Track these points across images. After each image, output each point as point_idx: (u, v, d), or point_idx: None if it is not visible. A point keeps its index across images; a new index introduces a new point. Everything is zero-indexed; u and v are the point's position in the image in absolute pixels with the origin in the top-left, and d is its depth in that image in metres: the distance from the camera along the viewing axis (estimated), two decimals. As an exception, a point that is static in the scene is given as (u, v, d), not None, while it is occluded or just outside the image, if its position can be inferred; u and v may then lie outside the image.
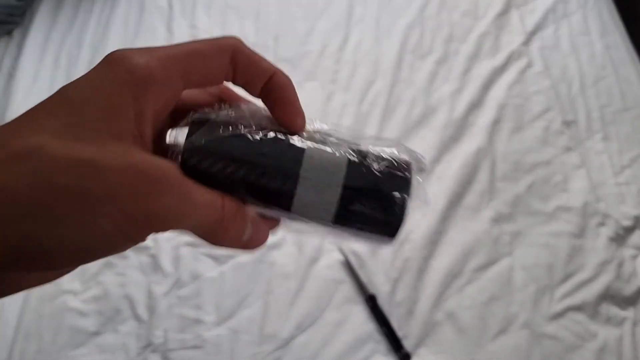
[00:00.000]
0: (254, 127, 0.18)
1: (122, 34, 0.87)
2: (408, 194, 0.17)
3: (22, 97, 0.80)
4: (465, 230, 0.66)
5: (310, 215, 0.17)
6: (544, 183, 0.69)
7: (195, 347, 0.58)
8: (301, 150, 0.17)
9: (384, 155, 0.18)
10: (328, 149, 0.17)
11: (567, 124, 0.75)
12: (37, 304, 0.62)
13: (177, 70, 0.16)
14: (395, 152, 0.18)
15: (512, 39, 0.83)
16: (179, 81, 0.16)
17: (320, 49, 0.83)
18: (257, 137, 0.17)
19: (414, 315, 0.60)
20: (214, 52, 0.17)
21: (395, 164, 0.18)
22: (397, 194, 0.17)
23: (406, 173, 0.18)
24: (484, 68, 0.80)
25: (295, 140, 0.18)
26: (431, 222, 0.66)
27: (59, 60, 0.85)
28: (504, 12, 0.86)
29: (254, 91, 0.19)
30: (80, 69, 0.84)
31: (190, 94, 0.19)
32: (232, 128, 0.17)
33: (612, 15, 0.87)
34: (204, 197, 0.16)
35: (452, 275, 0.63)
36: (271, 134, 0.18)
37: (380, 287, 0.62)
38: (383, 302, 0.61)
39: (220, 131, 0.17)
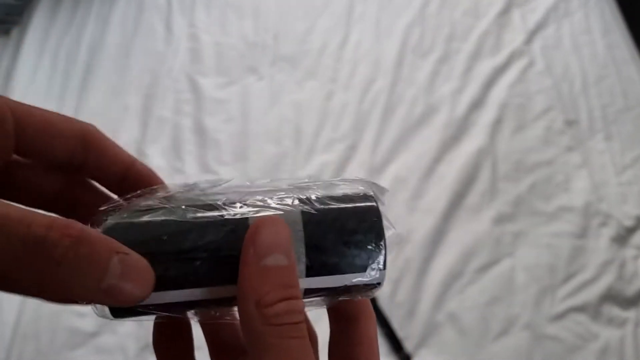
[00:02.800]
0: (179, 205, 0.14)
1: (120, 33, 0.87)
2: (380, 226, 0.15)
3: (20, 96, 0.79)
4: (467, 231, 0.65)
5: None
6: (545, 183, 0.69)
7: (195, 347, 0.58)
8: (243, 222, 0.14)
9: (338, 193, 0.15)
10: (271, 210, 0.14)
11: (569, 123, 0.75)
12: (35, 305, 0.62)
13: (11, 124, 0.13)
14: (347, 187, 0.16)
15: (513, 38, 0.83)
16: (8, 139, 0.13)
17: (320, 47, 0.82)
18: (188, 216, 0.14)
19: (414, 316, 0.60)
20: (65, 125, 0.14)
21: (355, 198, 0.15)
22: (368, 232, 0.15)
23: (369, 203, 0.15)
24: (485, 67, 0.79)
25: (231, 212, 0.14)
26: (432, 222, 0.65)
27: (57, 60, 0.85)
28: (505, 11, 0.86)
29: (110, 184, 0.16)
30: (78, 69, 0.83)
31: None
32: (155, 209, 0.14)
33: (614, 14, 0.87)
34: (11, 209, 0.10)
35: (453, 276, 0.62)
36: (200, 214, 0.14)
37: (381, 288, 0.61)
38: (384, 303, 0.60)
39: (141, 214, 0.14)
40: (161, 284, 0.13)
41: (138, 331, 0.59)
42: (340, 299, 0.16)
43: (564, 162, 0.71)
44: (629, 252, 0.65)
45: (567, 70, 0.80)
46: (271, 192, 0.15)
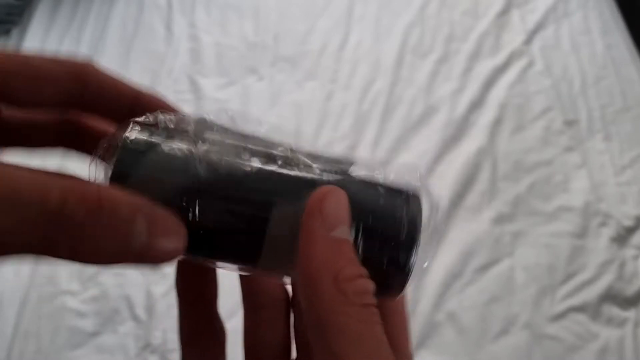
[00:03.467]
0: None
1: (120, 33, 0.87)
2: (417, 231, 0.13)
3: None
4: (466, 231, 0.65)
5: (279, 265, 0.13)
6: (545, 183, 0.69)
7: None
8: (309, 185, 0.12)
9: (381, 181, 0.14)
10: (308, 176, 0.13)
11: (568, 123, 0.75)
12: (36, 304, 0.62)
13: None
14: (391, 177, 0.14)
15: (512, 38, 0.83)
16: None
17: (320, 48, 0.83)
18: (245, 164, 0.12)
19: (414, 315, 0.60)
20: (53, 66, 0.13)
21: (398, 191, 0.14)
22: (403, 230, 0.13)
23: (411, 201, 0.13)
24: (484, 67, 0.79)
25: (291, 170, 0.13)
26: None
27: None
28: (505, 12, 0.86)
29: (114, 120, 0.15)
30: (79, 68, 0.84)
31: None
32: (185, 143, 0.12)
33: (613, 15, 0.87)
34: (25, 174, 0.10)
35: (453, 276, 0.62)
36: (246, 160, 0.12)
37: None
38: (383, 302, 0.60)
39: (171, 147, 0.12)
40: (204, 241, 0.12)
41: (138, 331, 0.59)
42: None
43: (563, 162, 0.71)
44: (628, 252, 0.65)
45: (566, 70, 0.80)
46: (318, 159, 0.14)
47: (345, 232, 0.12)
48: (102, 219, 0.10)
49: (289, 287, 0.17)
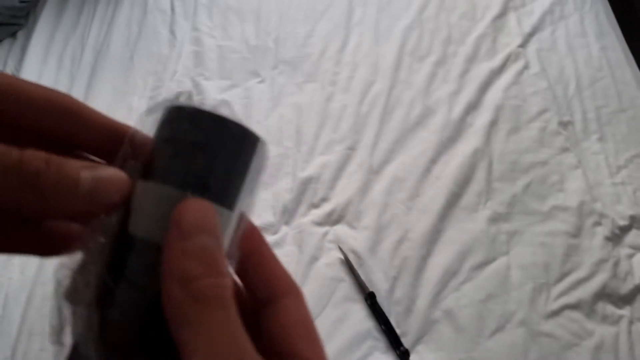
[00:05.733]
0: None
1: (125, 36, 0.89)
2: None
3: (26, 98, 0.81)
4: (463, 230, 0.66)
5: None
6: (540, 183, 0.70)
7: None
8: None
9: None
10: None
11: (564, 124, 0.76)
12: (40, 303, 0.63)
13: None
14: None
15: (509, 41, 0.84)
16: None
17: (320, 50, 0.84)
18: None
19: (412, 313, 0.61)
20: (45, 96, 0.14)
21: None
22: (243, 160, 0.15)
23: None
24: (481, 70, 0.81)
25: None
26: (429, 221, 0.67)
27: (62, 62, 0.86)
28: (502, 15, 0.87)
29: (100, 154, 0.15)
30: (84, 71, 0.85)
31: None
32: None
33: (609, 17, 0.88)
34: None
35: (450, 274, 0.63)
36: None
37: (379, 285, 0.62)
38: (382, 300, 0.61)
39: None
40: None
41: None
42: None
43: (559, 163, 0.72)
44: (623, 250, 0.66)
45: (562, 72, 0.81)
46: None
47: (204, 240, 0.13)
48: (53, 168, 0.12)
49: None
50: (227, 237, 0.14)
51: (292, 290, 0.16)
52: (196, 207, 0.13)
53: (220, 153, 0.14)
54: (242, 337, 0.12)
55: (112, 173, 0.13)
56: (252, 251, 0.16)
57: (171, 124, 0.14)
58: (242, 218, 0.15)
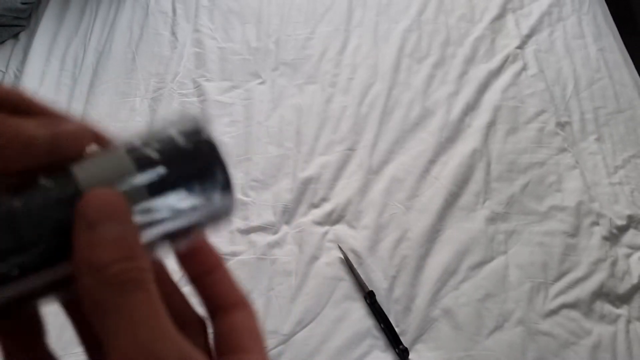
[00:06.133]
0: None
1: (127, 37, 0.89)
2: (218, 158, 0.15)
3: (29, 99, 0.81)
4: (461, 229, 0.67)
5: None
6: (538, 183, 0.71)
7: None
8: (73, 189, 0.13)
9: (168, 133, 0.14)
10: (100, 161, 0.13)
11: (562, 125, 0.77)
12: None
13: None
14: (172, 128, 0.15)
15: (507, 43, 0.85)
16: None
17: (320, 52, 0.85)
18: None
19: (411, 311, 0.61)
20: None
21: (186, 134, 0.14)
22: (208, 166, 0.14)
23: (201, 136, 0.15)
24: (480, 71, 0.81)
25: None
26: (428, 221, 0.67)
27: (64, 63, 0.87)
28: (500, 16, 0.88)
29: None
30: (86, 72, 0.86)
31: None
32: None
33: (607, 19, 0.89)
34: None
35: (449, 273, 0.64)
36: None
37: (379, 284, 0.63)
38: (381, 299, 0.62)
39: None
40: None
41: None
42: (187, 238, 0.15)
43: (557, 163, 0.73)
44: (620, 250, 0.66)
45: (560, 73, 0.82)
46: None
47: (112, 227, 0.12)
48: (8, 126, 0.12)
49: None
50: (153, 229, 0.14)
51: (243, 305, 0.16)
52: (102, 196, 0.12)
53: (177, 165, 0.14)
54: (163, 317, 0.12)
55: (71, 128, 0.13)
56: (207, 269, 0.16)
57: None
58: (194, 229, 0.15)
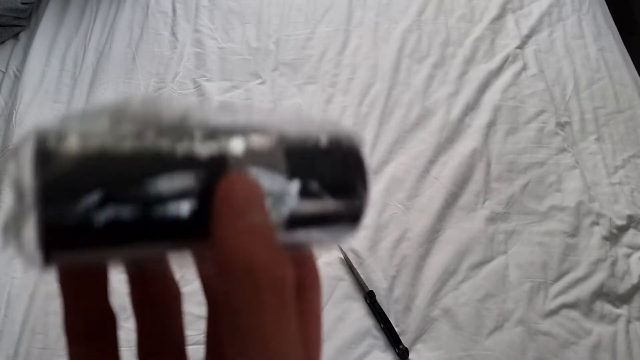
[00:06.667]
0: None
1: (127, 37, 0.89)
2: (365, 174, 0.14)
3: (28, 98, 0.82)
4: (461, 229, 0.67)
5: None
6: (538, 183, 0.71)
7: (198, 343, 0.59)
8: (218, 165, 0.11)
9: (318, 135, 0.13)
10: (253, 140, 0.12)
11: (562, 125, 0.77)
12: (43, 302, 0.64)
13: None
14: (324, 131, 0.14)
15: (507, 43, 0.85)
16: None
17: (320, 53, 0.85)
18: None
19: (411, 311, 0.61)
20: None
21: (337, 140, 0.13)
22: (352, 175, 0.13)
23: (353, 146, 0.14)
24: (479, 71, 0.81)
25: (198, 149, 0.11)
26: (428, 221, 0.67)
27: (64, 63, 0.87)
28: (500, 16, 0.88)
29: None
30: (86, 72, 0.86)
31: None
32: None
33: (606, 19, 0.89)
34: None
35: (449, 273, 0.64)
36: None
37: (379, 284, 0.63)
38: (381, 298, 0.62)
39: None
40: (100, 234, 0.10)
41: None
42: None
43: (557, 163, 0.73)
44: (620, 250, 0.66)
45: (560, 73, 0.82)
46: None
47: (259, 215, 0.11)
48: None
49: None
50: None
51: (320, 282, 0.14)
52: (244, 182, 0.11)
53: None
54: (294, 332, 0.11)
55: None
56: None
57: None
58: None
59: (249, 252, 0.10)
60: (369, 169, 0.14)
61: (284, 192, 0.12)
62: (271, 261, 0.11)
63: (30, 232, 0.10)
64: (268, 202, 0.12)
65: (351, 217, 0.14)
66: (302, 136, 0.13)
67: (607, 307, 0.62)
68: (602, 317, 0.61)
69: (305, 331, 0.13)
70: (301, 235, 0.13)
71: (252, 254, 0.10)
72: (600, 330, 0.60)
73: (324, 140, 0.13)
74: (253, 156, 0.12)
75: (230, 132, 0.12)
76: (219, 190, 0.11)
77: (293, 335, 0.11)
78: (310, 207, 0.13)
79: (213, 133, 0.12)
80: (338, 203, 0.13)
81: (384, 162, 0.73)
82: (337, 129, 0.14)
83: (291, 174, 0.12)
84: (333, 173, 0.13)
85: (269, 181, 0.12)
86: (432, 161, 0.73)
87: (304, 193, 0.12)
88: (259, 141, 0.12)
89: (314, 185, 0.13)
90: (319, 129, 0.14)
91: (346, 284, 0.63)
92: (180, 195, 0.11)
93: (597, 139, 0.75)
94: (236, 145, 0.12)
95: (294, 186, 0.12)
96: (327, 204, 0.13)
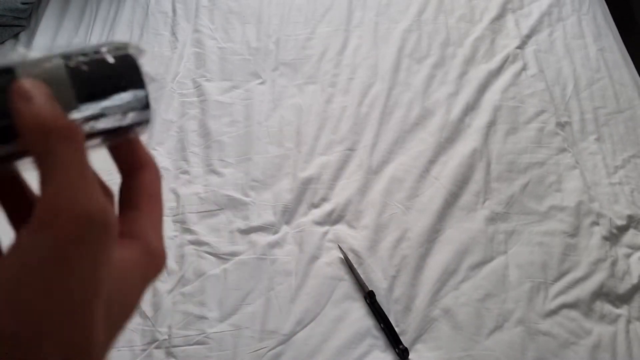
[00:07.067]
0: None
1: (127, 37, 0.89)
2: (137, 69, 0.17)
3: (29, 99, 0.81)
4: (461, 229, 0.67)
5: None
6: (538, 183, 0.71)
7: (198, 343, 0.60)
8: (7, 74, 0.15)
9: (94, 48, 0.17)
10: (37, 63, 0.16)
11: (562, 125, 0.77)
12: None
13: None
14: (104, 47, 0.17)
15: (507, 43, 0.85)
16: None
17: (320, 53, 0.85)
18: None
19: (411, 311, 0.62)
20: None
21: (110, 48, 0.17)
22: (130, 75, 0.17)
23: (124, 52, 0.17)
24: (479, 71, 0.81)
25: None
26: (428, 221, 0.67)
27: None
28: (500, 17, 0.88)
29: None
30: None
31: None
32: None
33: (606, 19, 0.89)
34: None
35: (449, 273, 0.64)
36: None
37: (379, 284, 0.63)
38: (381, 298, 0.62)
39: None
40: None
41: (143, 327, 0.61)
42: (117, 139, 0.18)
43: (556, 163, 0.73)
44: (620, 250, 0.66)
45: (560, 73, 0.82)
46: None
47: (42, 98, 0.14)
48: None
49: None
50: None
51: (148, 166, 0.18)
52: (32, 81, 0.15)
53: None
54: (91, 173, 0.14)
55: None
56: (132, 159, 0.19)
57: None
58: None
59: (41, 121, 0.14)
60: (139, 64, 0.18)
61: (66, 85, 0.16)
62: (60, 122, 0.14)
63: None
64: (52, 92, 0.15)
65: (130, 99, 0.17)
66: (78, 49, 0.17)
67: (607, 307, 0.62)
68: (602, 317, 0.61)
69: (148, 203, 0.18)
70: (92, 111, 0.16)
71: (44, 121, 0.14)
72: (600, 330, 0.60)
73: (100, 50, 0.17)
74: (35, 65, 0.16)
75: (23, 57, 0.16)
76: (14, 88, 0.14)
77: (91, 176, 0.14)
78: (94, 105, 0.16)
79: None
80: (115, 97, 0.17)
81: (384, 162, 0.73)
82: (110, 43, 0.18)
83: (72, 76, 0.16)
84: (106, 74, 0.17)
85: (54, 80, 0.16)
86: (432, 161, 0.73)
87: (85, 93, 0.16)
88: (38, 54, 0.16)
89: (97, 88, 0.16)
90: (95, 45, 0.17)
91: (346, 284, 0.63)
92: None
93: (597, 139, 0.75)
94: (19, 59, 0.16)
95: (75, 79, 0.16)
96: (105, 100, 0.17)
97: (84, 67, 0.16)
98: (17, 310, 0.13)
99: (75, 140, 0.14)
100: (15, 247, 0.14)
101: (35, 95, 0.14)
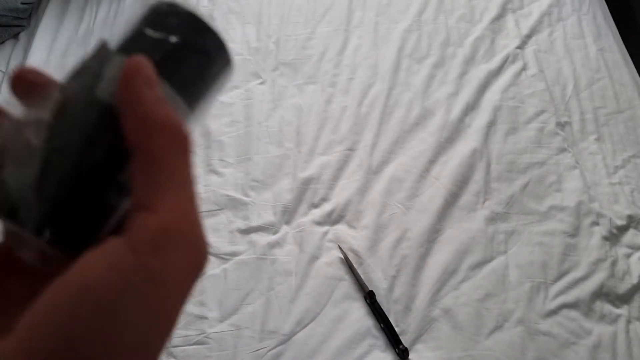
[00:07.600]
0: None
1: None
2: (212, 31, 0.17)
3: (29, 99, 0.81)
4: (461, 229, 0.67)
5: None
6: (538, 183, 0.71)
7: (198, 343, 0.60)
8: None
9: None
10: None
11: (562, 125, 0.77)
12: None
13: None
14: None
15: (507, 43, 0.85)
16: None
17: (320, 53, 0.85)
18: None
19: (411, 311, 0.62)
20: None
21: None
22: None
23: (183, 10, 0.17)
24: (479, 71, 0.81)
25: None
26: (428, 221, 0.67)
27: (65, 64, 0.87)
28: (500, 17, 0.88)
29: None
30: (86, 73, 0.86)
31: None
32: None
33: (607, 19, 0.89)
34: None
35: (449, 273, 0.64)
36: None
37: (379, 284, 0.63)
38: (381, 298, 0.62)
39: None
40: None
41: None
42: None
43: (557, 163, 0.73)
44: (620, 250, 0.66)
45: (560, 73, 0.82)
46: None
47: (161, 88, 0.14)
48: None
49: None
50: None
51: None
52: (142, 62, 0.14)
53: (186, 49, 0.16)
54: (194, 188, 0.14)
55: None
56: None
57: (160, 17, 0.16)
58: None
59: (164, 114, 0.13)
60: (205, 17, 0.17)
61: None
62: (178, 122, 0.14)
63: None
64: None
65: (218, 57, 0.18)
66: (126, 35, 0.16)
67: (607, 307, 0.62)
68: (602, 317, 0.61)
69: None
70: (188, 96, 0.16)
71: (167, 115, 0.13)
72: (600, 330, 0.60)
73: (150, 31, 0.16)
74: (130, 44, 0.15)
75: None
76: (129, 63, 0.14)
77: (193, 176, 0.14)
78: (185, 72, 0.16)
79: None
80: (199, 53, 0.17)
81: (384, 162, 0.73)
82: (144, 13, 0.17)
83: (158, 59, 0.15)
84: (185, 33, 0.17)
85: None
86: (432, 161, 0.73)
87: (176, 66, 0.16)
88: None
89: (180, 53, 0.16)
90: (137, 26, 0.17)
91: (346, 284, 0.63)
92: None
93: (597, 139, 0.75)
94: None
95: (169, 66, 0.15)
96: (193, 59, 0.17)
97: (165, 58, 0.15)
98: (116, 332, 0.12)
99: (189, 143, 0.14)
100: (111, 263, 0.12)
101: (157, 83, 0.14)
